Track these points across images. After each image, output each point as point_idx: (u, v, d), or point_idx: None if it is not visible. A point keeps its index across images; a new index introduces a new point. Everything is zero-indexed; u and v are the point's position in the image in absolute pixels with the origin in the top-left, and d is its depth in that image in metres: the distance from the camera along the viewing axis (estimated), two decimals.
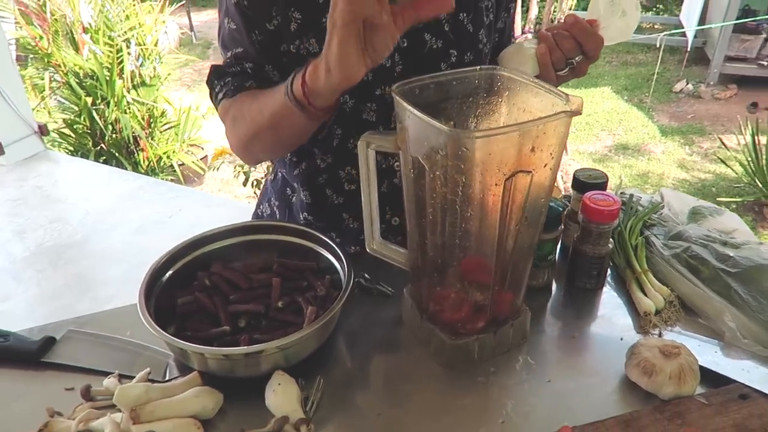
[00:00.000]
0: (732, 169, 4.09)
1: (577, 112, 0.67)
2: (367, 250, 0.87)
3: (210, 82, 0.96)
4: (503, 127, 0.69)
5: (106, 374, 0.79)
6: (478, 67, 0.78)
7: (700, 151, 4.76)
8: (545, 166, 0.70)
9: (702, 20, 5.84)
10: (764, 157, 3.76)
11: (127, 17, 4.03)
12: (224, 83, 0.94)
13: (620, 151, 4.83)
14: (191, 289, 0.89)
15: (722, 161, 4.17)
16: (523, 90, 0.77)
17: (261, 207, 1.23)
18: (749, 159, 3.87)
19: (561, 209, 0.92)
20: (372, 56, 0.70)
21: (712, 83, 5.71)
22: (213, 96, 0.96)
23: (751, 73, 5.65)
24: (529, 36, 0.92)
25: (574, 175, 0.98)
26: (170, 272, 0.88)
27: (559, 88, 0.73)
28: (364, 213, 0.84)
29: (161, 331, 0.75)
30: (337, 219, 1.06)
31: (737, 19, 5.46)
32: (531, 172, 0.69)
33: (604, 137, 5.10)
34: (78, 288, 2.59)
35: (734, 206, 3.90)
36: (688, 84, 5.72)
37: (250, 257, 0.95)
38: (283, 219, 1.14)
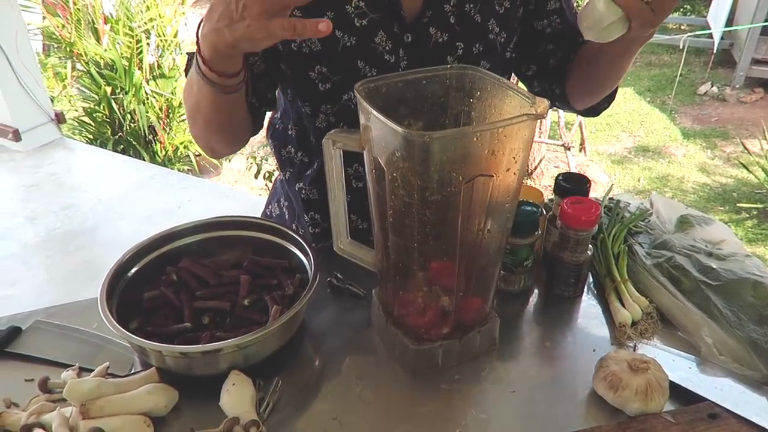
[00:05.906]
0: (754, 175, 3.98)
1: (541, 116, 0.64)
2: (335, 250, 0.85)
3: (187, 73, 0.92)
4: (458, 129, 0.66)
5: (67, 367, 0.79)
6: (449, 65, 0.76)
7: (722, 155, 4.64)
8: (508, 170, 0.67)
9: (729, 22, 5.69)
10: None
11: (148, 8, 4.07)
12: None
13: (640, 153, 4.74)
14: (159, 284, 0.88)
15: (744, 166, 4.06)
16: (494, 90, 0.74)
17: (270, 207, 1.20)
18: None
19: (538, 214, 0.89)
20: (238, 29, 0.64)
21: (737, 86, 5.56)
22: None
23: None
24: None
25: (556, 179, 0.95)
26: (138, 266, 0.88)
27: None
28: (331, 212, 0.82)
29: (118, 326, 0.74)
30: None
31: (766, 21, 5.31)
32: (492, 176, 0.66)
33: (625, 138, 5.00)
34: (86, 275, 2.62)
35: (755, 212, 3.79)
36: (713, 86, 5.58)
37: (223, 253, 0.95)
38: (292, 220, 1.12)
